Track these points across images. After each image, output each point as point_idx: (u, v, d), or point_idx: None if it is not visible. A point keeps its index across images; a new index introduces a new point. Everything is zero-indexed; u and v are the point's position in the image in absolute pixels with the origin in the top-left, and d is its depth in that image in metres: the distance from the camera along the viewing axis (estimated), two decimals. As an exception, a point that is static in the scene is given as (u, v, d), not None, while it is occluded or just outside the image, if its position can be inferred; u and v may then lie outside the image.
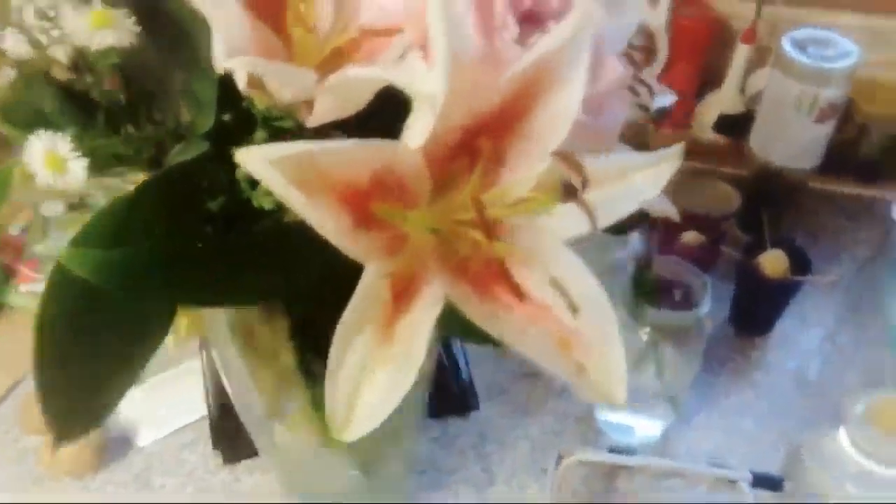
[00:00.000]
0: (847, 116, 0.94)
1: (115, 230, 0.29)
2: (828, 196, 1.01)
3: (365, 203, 0.29)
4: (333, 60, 0.33)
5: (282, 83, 0.29)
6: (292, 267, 0.32)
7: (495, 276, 0.30)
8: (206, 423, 0.74)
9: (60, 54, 0.30)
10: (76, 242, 0.27)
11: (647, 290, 0.65)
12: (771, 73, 0.85)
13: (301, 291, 0.33)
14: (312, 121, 0.31)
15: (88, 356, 0.31)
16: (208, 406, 0.75)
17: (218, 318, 0.47)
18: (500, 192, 0.30)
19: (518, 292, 0.28)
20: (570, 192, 0.26)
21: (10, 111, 0.32)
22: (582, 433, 0.75)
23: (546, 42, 0.28)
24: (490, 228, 0.27)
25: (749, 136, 0.98)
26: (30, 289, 0.84)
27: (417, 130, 0.28)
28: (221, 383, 0.75)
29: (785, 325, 0.85)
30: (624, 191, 0.30)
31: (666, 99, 0.44)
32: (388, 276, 0.29)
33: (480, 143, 0.29)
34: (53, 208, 0.42)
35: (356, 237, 0.29)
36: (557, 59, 0.28)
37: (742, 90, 1.06)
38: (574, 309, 0.28)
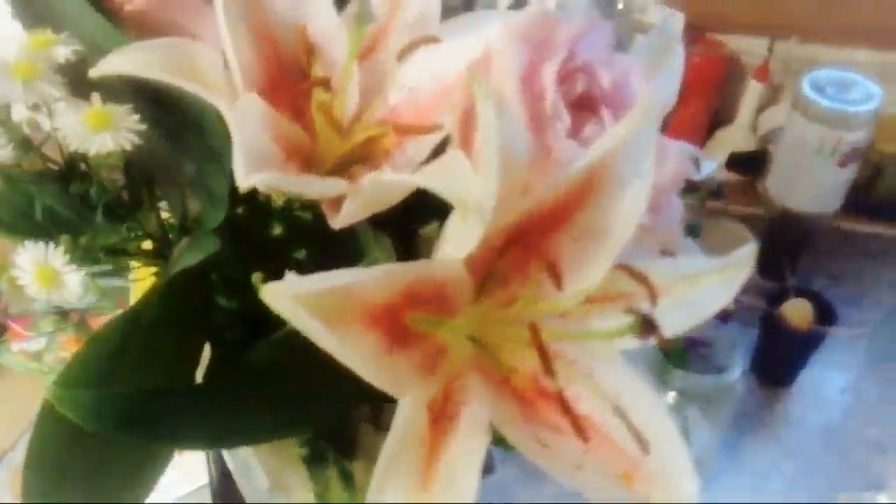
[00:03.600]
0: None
1: (107, 363, 0.25)
2: (846, 237, 0.98)
3: (398, 318, 0.26)
4: (360, 150, 0.30)
5: (309, 194, 0.25)
6: (315, 395, 0.28)
7: (545, 398, 0.27)
8: (208, 492, 0.70)
9: (54, 153, 0.27)
10: (65, 380, 0.24)
11: (674, 353, 0.61)
12: (790, 115, 0.82)
13: (326, 423, 0.29)
14: (339, 222, 0.28)
15: (80, 495, 0.27)
16: (210, 474, 0.71)
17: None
18: (552, 305, 0.27)
19: (580, 427, 0.24)
20: (649, 327, 0.23)
21: (-4, 212, 0.28)
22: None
23: (607, 141, 0.25)
24: (549, 363, 0.24)
25: (762, 175, 0.95)
26: (22, 347, 0.80)
27: (462, 242, 0.25)
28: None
29: (807, 376, 0.82)
30: (692, 299, 0.27)
31: (707, 167, 0.40)
32: (426, 404, 0.26)
33: (530, 254, 0.25)
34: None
35: (391, 362, 0.25)
36: (619, 157, 0.25)
37: (754, 128, 1.03)
38: (645, 446, 0.24)
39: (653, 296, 0.24)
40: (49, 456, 0.27)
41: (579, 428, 0.24)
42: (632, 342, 0.27)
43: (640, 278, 0.24)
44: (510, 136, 0.24)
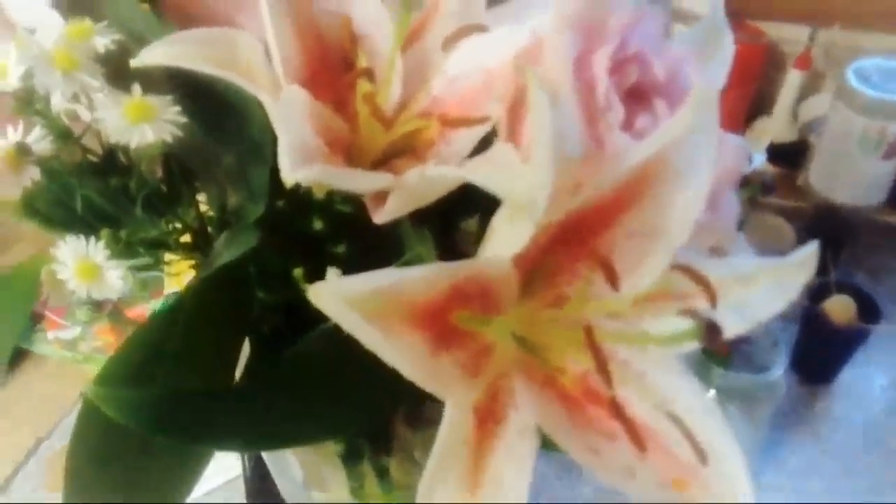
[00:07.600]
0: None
1: (146, 361, 0.25)
2: (889, 231, 0.95)
3: (443, 318, 0.25)
4: (403, 141, 0.29)
5: (355, 187, 0.25)
6: (356, 397, 0.28)
7: (595, 400, 0.26)
8: (241, 483, 0.71)
9: (94, 144, 0.26)
10: (105, 379, 0.23)
11: (715, 350, 0.60)
12: (833, 105, 0.80)
13: (367, 426, 0.29)
14: (383, 216, 0.27)
15: (120, 492, 0.27)
16: (244, 465, 0.72)
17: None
18: (604, 305, 0.26)
19: (636, 433, 0.23)
20: (712, 332, 0.22)
21: (34, 205, 0.28)
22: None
23: (663, 134, 0.24)
24: (605, 366, 0.23)
25: (802, 166, 0.93)
26: (57, 336, 0.80)
27: (512, 239, 0.24)
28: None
29: (849, 373, 0.80)
30: (748, 301, 0.26)
31: (756, 159, 0.39)
32: (472, 406, 0.25)
33: (581, 252, 0.24)
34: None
35: (437, 363, 0.24)
36: (677, 151, 0.24)
37: (795, 117, 1.01)
38: (702, 455, 0.23)
39: (712, 299, 0.23)
40: (90, 456, 0.27)
41: (635, 434, 0.23)
42: (688, 346, 0.26)
43: (701, 280, 0.23)
44: (563, 129, 0.23)
